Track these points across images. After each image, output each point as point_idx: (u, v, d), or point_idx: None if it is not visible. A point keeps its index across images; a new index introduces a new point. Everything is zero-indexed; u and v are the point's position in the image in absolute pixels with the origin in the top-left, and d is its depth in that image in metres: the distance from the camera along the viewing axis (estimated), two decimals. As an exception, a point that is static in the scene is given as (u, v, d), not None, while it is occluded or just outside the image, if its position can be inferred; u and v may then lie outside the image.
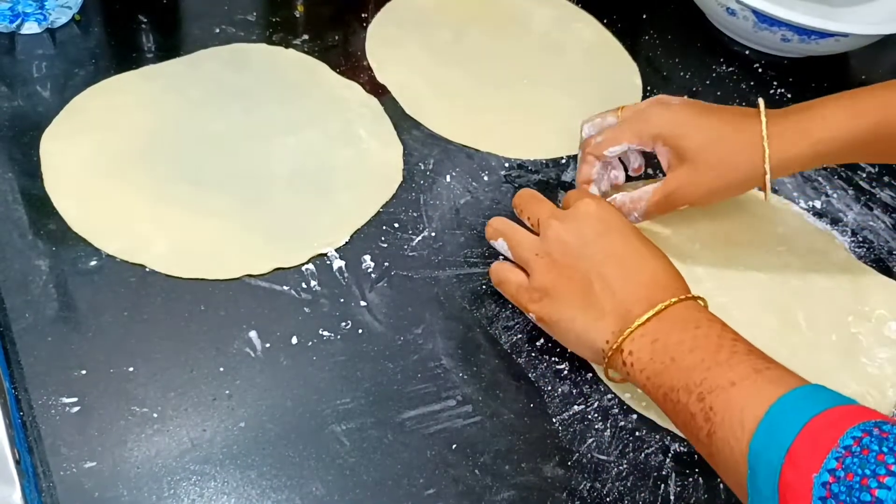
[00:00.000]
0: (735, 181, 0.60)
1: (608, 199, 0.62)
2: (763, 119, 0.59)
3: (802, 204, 0.71)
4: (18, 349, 0.53)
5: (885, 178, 0.75)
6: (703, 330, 0.48)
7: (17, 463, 0.47)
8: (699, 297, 0.52)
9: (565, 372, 0.57)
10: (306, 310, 0.58)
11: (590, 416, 0.56)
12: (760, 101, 0.60)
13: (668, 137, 0.60)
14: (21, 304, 0.55)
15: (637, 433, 0.55)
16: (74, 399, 0.51)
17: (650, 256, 0.53)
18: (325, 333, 0.57)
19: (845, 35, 0.78)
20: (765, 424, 0.41)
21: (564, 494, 0.52)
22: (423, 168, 0.68)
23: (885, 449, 0.36)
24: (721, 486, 0.54)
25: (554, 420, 0.55)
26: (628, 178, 0.66)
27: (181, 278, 0.58)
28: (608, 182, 0.65)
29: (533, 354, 0.58)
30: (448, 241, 0.64)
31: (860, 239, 0.70)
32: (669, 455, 0.55)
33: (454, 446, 0.53)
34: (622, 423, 0.56)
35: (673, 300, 0.50)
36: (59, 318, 0.54)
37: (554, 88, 0.77)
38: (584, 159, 0.64)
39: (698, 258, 0.65)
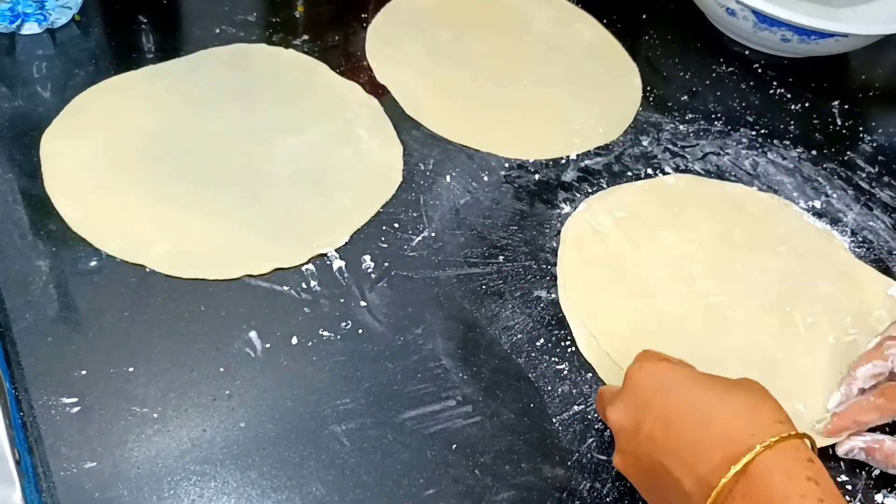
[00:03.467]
0: None
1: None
2: None
3: (802, 204, 0.72)
4: (19, 349, 0.53)
5: (885, 178, 0.75)
6: None
7: (18, 463, 0.47)
8: (800, 436, 0.41)
9: (565, 372, 0.57)
10: (306, 310, 0.58)
11: (590, 416, 0.56)
12: None
13: None
14: (21, 304, 0.55)
15: (637, 433, 0.55)
16: (75, 399, 0.51)
17: (718, 399, 0.43)
18: (325, 333, 0.57)
19: (845, 35, 0.78)
20: None
21: (564, 494, 0.52)
22: (422, 168, 0.68)
23: None
24: (721, 486, 0.54)
25: (554, 420, 0.55)
26: None
27: (181, 278, 0.58)
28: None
29: (533, 354, 0.58)
30: (448, 241, 0.64)
31: (860, 239, 0.70)
32: (669, 455, 0.55)
33: (454, 446, 0.53)
34: (622, 424, 0.56)
35: (748, 456, 0.40)
36: (60, 318, 0.55)
37: (554, 88, 0.77)
38: (880, 406, 0.53)
39: (697, 257, 0.65)
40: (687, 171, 0.72)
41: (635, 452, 0.45)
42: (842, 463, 0.56)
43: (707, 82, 0.82)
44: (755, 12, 0.79)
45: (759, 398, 0.44)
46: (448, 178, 0.68)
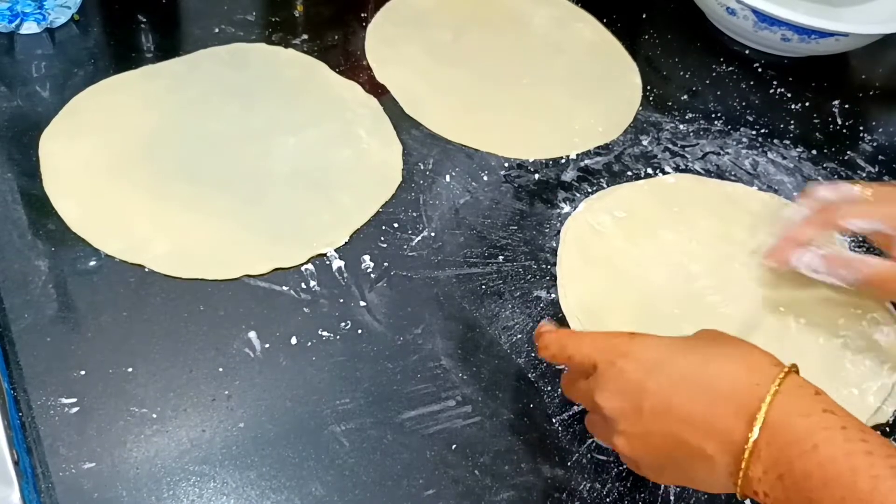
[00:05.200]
0: None
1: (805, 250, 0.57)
2: None
3: (802, 204, 0.71)
4: (18, 349, 0.53)
5: (885, 178, 0.75)
6: (824, 450, 0.39)
7: (16, 464, 0.46)
8: (787, 370, 0.43)
9: (565, 372, 0.57)
10: (306, 310, 0.58)
11: (589, 417, 0.56)
12: None
13: None
14: (20, 304, 0.55)
15: (637, 433, 0.55)
16: (73, 399, 0.51)
17: (708, 359, 0.44)
18: (325, 334, 0.57)
19: (845, 35, 0.78)
20: None
21: (564, 495, 0.52)
22: (422, 168, 0.68)
23: None
24: (721, 486, 0.54)
25: (554, 420, 0.55)
26: None
27: (180, 278, 0.57)
28: (816, 258, 0.58)
29: (533, 354, 0.58)
30: (447, 241, 0.63)
31: (860, 239, 0.70)
32: (669, 455, 0.55)
33: (454, 447, 0.53)
34: (622, 424, 0.55)
35: (764, 406, 0.41)
36: (59, 318, 0.54)
37: (554, 88, 0.77)
38: (813, 219, 0.58)
39: (695, 256, 0.65)
40: (687, 170, 0.72)
41: (641, 431, 0.45)
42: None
43: (707, 82, 0.82)
44: (755, 11, 0.79)
45: (741, 348, 0.45)
46: (448, 177, 0.68)
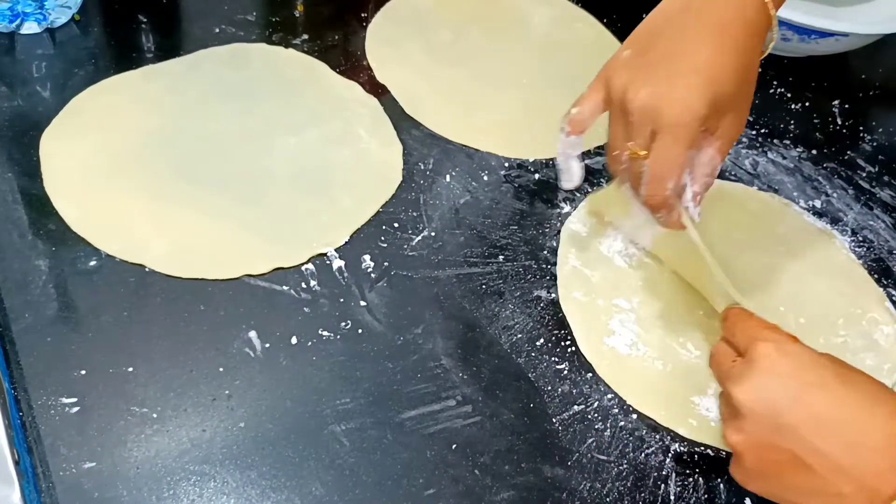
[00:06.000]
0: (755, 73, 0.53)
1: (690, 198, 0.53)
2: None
3: (802, 203, 0.71)
4: (18, 349, 0.53)
5: (885, 178, 0.75)
6: None
7: (17, 463, 0.47)
8: None
9: (565, 372, 0.57)
10: (306, 310, 0.58)
11: (590, 416, 0.56)
12: None
13: (713, 106, 0.50)
14: (21, 304, 0.55)
15: (637, 433, 0.55)
16: (74, 399, 0.51)
17: (872, 405, 0.42)
18: (325, 333, 0.57)
19: (845, 34, 0.78)
20: None
21: (564, 494, 0.52)
22: (422, 168, 0.68)
23: None
24: (721, 485, 0.54)
25: (554, 420, 0.55)
26: None
27: (181, 278, 0.57)
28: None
29: (533, 354, 0.58)
30: (448, 240, 0.63)
31: (860, 238, 0.70)
32: (669, 455, 0.55)
33: (454, 446, 0.53)
34: (622, 423, 0.56)
35: None
36: (59, 318, 0.54)
37: (554, 88, 0.77)
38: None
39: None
40: (687, 170, 0.72)
41: (767, 443, 0.43)
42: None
43: (707, 82, 0.82)
44: (755, 12, 0.78)
45: None
46: (448, 177, 0.68)
